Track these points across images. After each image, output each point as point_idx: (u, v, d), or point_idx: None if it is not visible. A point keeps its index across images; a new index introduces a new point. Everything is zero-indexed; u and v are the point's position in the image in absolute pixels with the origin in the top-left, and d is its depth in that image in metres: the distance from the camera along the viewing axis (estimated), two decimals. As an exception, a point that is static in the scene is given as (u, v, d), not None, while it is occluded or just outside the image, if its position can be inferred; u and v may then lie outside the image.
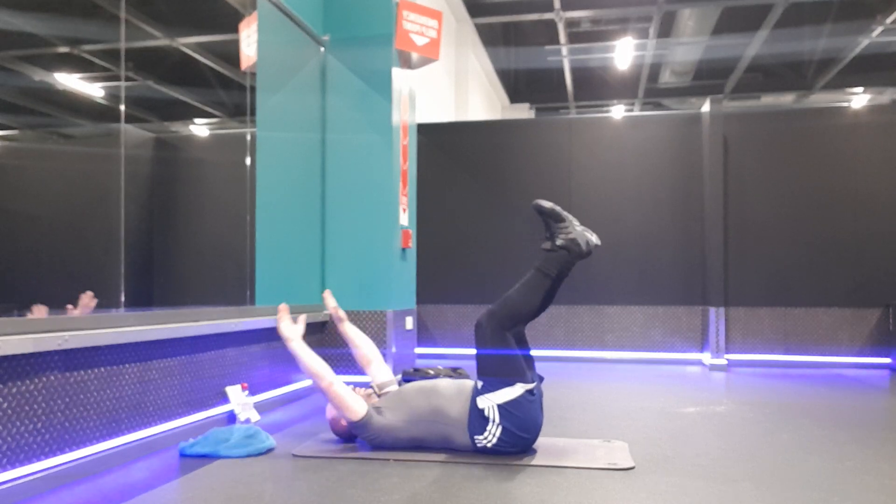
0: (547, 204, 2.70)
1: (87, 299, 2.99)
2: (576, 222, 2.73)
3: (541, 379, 2.83)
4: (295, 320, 2.91)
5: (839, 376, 5.39)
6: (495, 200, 6.58)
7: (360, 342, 3.24)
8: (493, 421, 2.63)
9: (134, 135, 4.03)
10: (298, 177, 4.49)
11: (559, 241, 2.66)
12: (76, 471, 2.40)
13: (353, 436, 2.92)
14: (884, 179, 5.99)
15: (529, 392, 2.64)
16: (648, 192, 6.40)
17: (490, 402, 2.63)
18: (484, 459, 2.61)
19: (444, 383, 2.81)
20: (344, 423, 2.88)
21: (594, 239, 2.71)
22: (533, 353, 2.91)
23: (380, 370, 3.14)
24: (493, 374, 2.65)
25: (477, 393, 2.68)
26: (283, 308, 2.87)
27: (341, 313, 3.27)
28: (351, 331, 3.27)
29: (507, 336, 2.66)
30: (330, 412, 2.94)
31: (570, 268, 2.71)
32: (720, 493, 2.25)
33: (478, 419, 2.65)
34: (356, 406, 2.73)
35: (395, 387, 2.97)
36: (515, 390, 2.62)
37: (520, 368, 2.66)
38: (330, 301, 3.31)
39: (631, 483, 2.36)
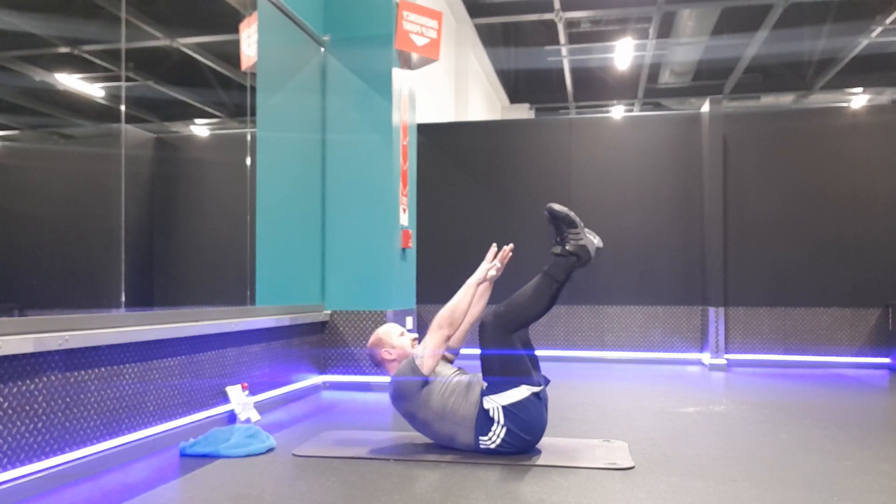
0: (561, 208, 2.68)
1: None
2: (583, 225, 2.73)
3: (546, 381, 2.83)
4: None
5: (839, 376, 5.39)
6: (495, 200, 6.58)
7: (478, 309, 2.96)
8: (498, 422, 2.63)
9: (134, 135, 4.03)
10: (298, 177, 4.49)
11: (569, 247, 2.64)
12: (76, 471, 2.40)
13: (379, 364, 2.91)
14: (884, 179, 5.99)
15: (535, 395, 2.64)
16: (648, 192, 6.40)
17: (495, 404, 2.63)
18: (484, 459, 2.61)
19: (460, 382, 2.76)
20: (387, 356, 2.86)
21: (597, 241, 2.70)
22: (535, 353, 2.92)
23: (458, 339, 2.97)
24: (497, 374, 2.65)
25: (483, 393, 2.67)
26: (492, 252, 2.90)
27: (494, 275, 2.96)
28: (485, 296, 3.00)
29: (511, 337, 2.65)
30: (381, 335, 2.89)
31: (573, 273, 2.71)
32: (720, 493, 2.25)
33: (484, 420, 2.65)
34: (434, 365, 2.72)
35: (449, 367, 2.88)
36: (521, 392, 2.62)
37: (525, 370, 2.65)
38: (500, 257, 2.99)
39: (631, 483, 2.36)
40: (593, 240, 2.70)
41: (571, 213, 2.69)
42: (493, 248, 2.93)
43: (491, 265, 2.89)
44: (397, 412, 2.85)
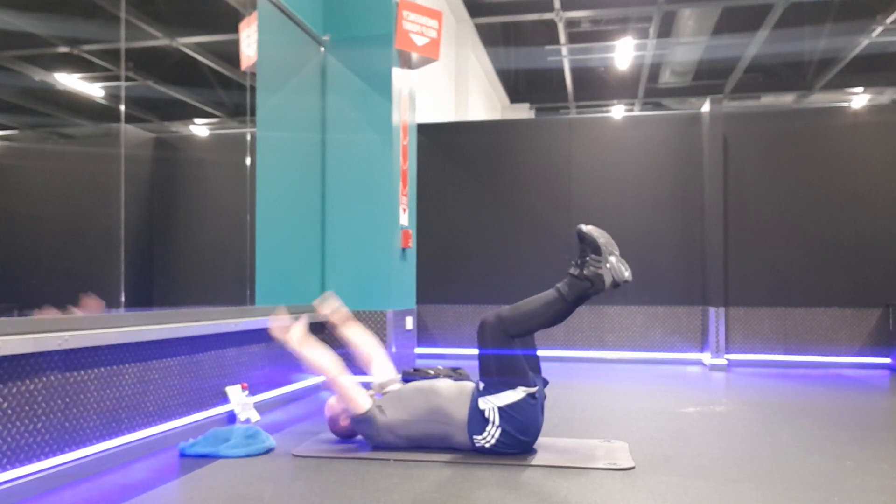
0: (589, 232, 2.62)
1: (93, 303, 2.99)
2: (615, 253, 2.62)
3: (545, 382, 2.83)
4: (294, 320, 2.95)
5: (839, 376, 5.39)
6: (495, 200, 6.57)
7: (360, 342, 3.22)
8: (493, 423, 2.63)
9: (134, 135, 4.03)
10: (298, 177, 4.49)
11: (586, 272, 2.60)
12: (76, 471, 2.40)
13: (352, 434, 2.92)
14: (884, 179, 5.99)
15: (531, 395, 2.64)
16: (648, 192, 6.40)
17: (491, 404, 2.63)
18: (484, 459, 2.61)
19: (444, 383, 2.82)
20: (343, 422, 2.89)
21: (626, 274, 2.61)
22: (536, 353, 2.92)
23: (381, 369, 3.13)
24: (494, 375, 2.65)
25: (479, 394, 2.68)
26: (281, 310, 2.95)
27: (338, 317, 3.23)
28: (350, 332, 3.25)
29: (510, 340, 2.66)
30: (329, 411, 2.95)
31: (588, 297, 2.65)
32: (720, 493, 2.25)
33: (478, 420, 2.65)
34: (361, 400, 2.75)
35: (397, 385, 2.96)
36: (517, 393, 2.62)
37: (522, 371, 2.66)
38: (325, 308, 3.25)
39: (631, 483, 2.36)
40: (624, 272, 2.61)
41: (601, 239, 2.61)
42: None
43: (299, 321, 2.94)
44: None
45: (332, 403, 2.96)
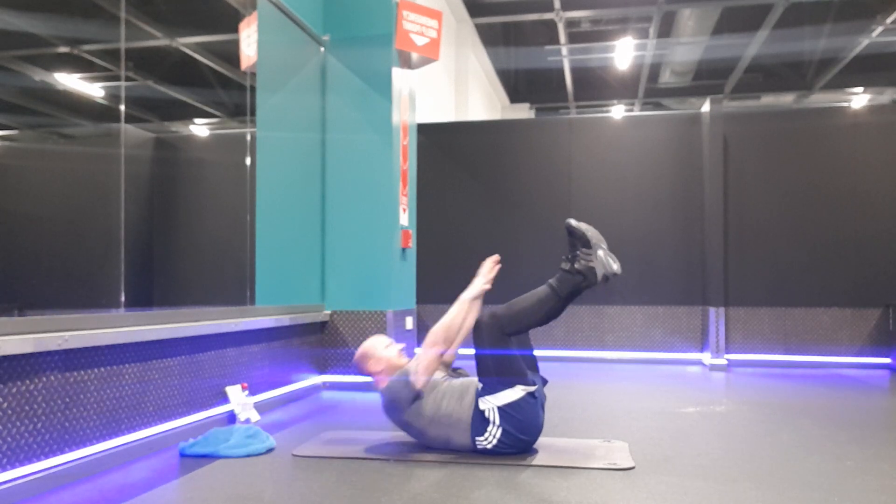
0: (578, 226, 2.64)
1: None
2: (602, 247, 2.64)
3: (544, 381, 2.82)
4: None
5: (839, 376, 5.39)
6: (495, 200, 6.58)
7: (467, 316, 2.90)
8: (494, 423, 2.63)
9: (134, 135, 4.03)
10: (298, 177, 4.49)
11: (578, 266, 2.62)
12: (76, 471, 2.40)
13: (367, 374, 2.90)
14: (884, 179, 5.99)
15: (530, 394, 2.64)
16: (648, 192, 6.40)
17: (490, 404, 2.63)
18: (484, 460, 2.61)
19: (451, 386, 2.78)
20: (373, 368, 2.86)
21: (615, 267, 2.63)
22: (533, 353, 2.91)
23: (451, 353, 2.98)
24: (492, 375, 2.65)
25: (478, 394, 2.68)
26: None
27: (479, 290, 2.92)
28: (473, 307, 2.93)
29: (507, 339, 2.65)
30: (369, 349, 2.89)
31: (580, 292, 2.67)
32: (720, 493, 2.25)
33: (479, 420, 2.65)
34: (426, 380, 2.72)
35: (440, 373, 2.88)
36: (515, 392, 2.62)
37: (519, 370, 2.66)
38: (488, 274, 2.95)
39: (631, 483, 2.36)
40: (613, 264, 2.62)
41: (589, 233, 2.62)
42: (488, 262, 2.93)
43: (487, 280, 2.89)
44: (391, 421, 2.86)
45: (374, 344, 2.92)
